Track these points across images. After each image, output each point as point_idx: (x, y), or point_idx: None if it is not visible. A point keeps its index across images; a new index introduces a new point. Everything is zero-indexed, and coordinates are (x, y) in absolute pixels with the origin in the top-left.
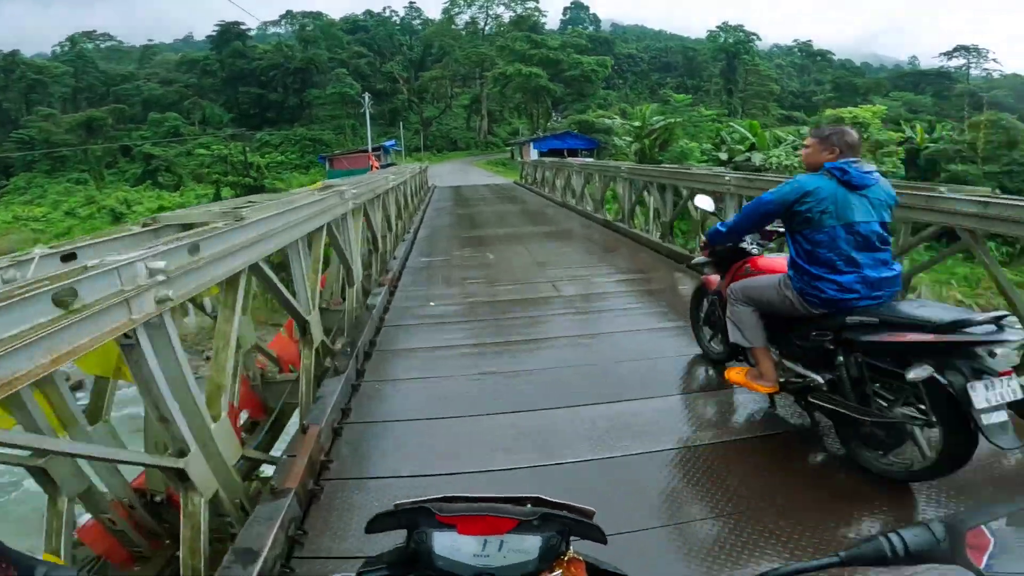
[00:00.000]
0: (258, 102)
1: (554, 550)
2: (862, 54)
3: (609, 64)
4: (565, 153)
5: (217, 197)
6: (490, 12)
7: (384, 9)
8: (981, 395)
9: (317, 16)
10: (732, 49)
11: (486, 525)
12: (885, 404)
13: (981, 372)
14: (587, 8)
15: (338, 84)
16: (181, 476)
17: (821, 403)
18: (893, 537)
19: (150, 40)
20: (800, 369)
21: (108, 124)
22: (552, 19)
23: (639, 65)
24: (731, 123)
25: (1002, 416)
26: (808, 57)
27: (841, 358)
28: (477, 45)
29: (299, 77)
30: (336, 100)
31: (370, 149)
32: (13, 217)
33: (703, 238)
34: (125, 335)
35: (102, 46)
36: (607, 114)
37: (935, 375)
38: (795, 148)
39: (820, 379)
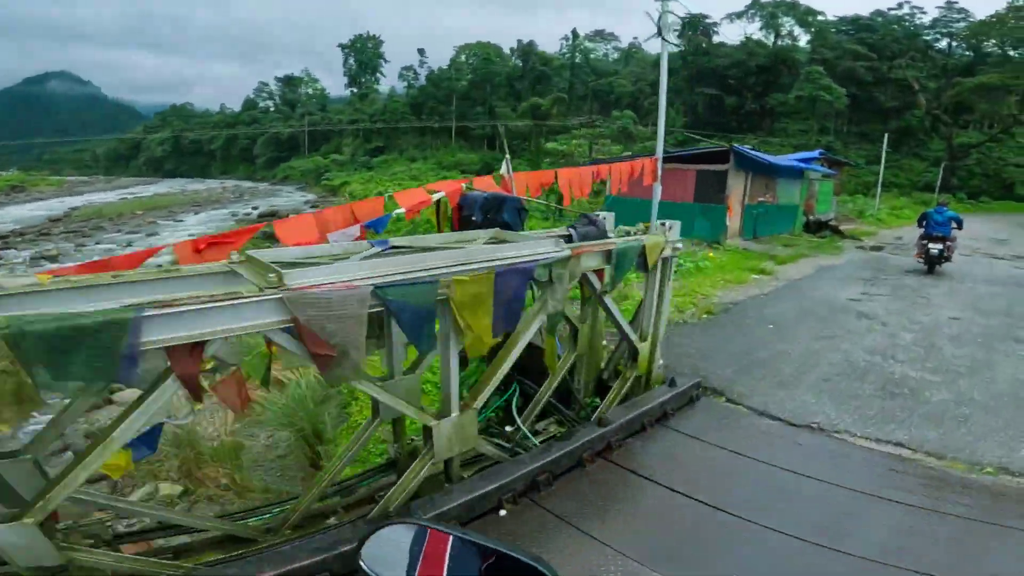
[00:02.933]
0: (714, 105)
1: None
2: None
3: None
4: None
5: None
6: None
7: (900, 5)
8: None
9: (793, 5)
10: None
11: None
12: None
13: None
14: None
15: (808, 86)
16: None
17: None
18: None
19: (635, 39)
20: None
21: (552, 112)
22: None
23: None
24: None
25: None
26: None
27: None
28: None
29: (763, 78)
30: (804, 107)
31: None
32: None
33: None
34: None
35: (608, 46)
36: None
37: None
38: None
39: None
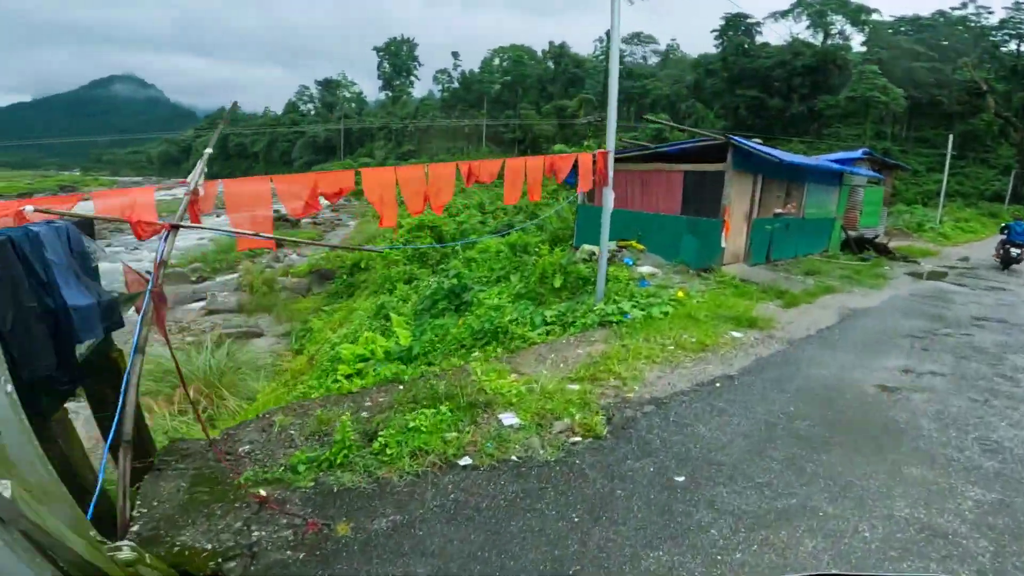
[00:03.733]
0: (756, 108)
1: None
2: None
3: None
4: None
5: None
6: None
7: (964, 4)
8: None
9: (843, 3)
10: None
11: None
12: None
13: None
14: None
15: (862, 85)
16: None
17: None
18: None
19: (673, 41)
20: None
21: (579, 113)
22: None
23: None
24: None
25: None
26: None
27: None
28: None
29: (810, 79)
30: (857, 109)
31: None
32: None
33: None
34: None
35: (646, 48)
36: None
37: None
38: None
39: None
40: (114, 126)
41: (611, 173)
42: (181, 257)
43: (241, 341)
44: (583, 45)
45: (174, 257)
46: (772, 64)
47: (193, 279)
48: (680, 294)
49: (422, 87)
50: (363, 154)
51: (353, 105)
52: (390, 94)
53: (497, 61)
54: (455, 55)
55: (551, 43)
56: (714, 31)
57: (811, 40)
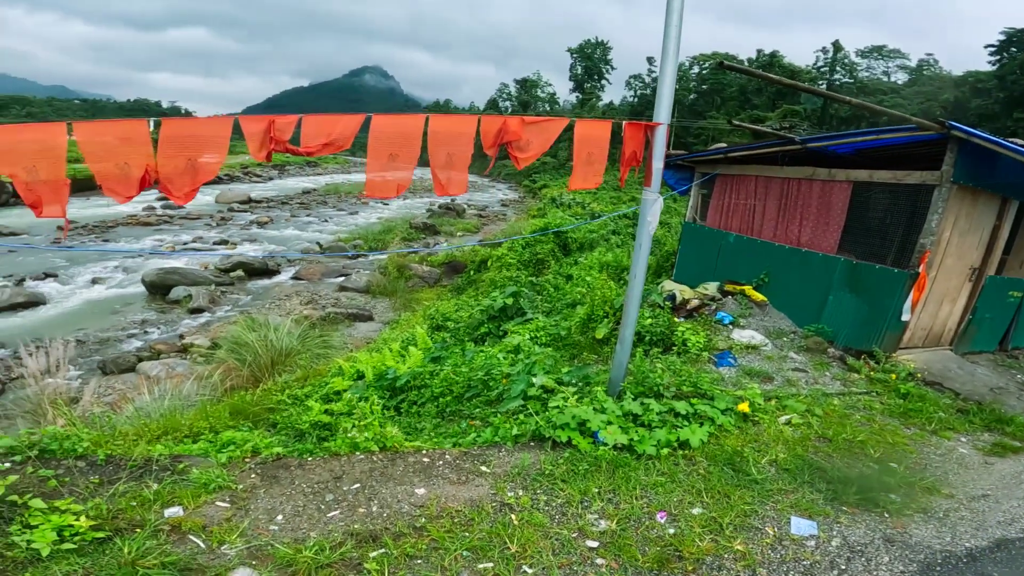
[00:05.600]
0: None
1: None
2: None
3: None
4: None
5: None
6: None
7: None
8: None
9: None
10: None
11: None
12: None
13: None
14: None
15: None
16: None
17: None
18: None
19: (928, 56)
20: None
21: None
22: None
23: None
24: None
25: None
26: None
27: None
28: None
29: None
30: None
31: None
32: None
33: None
34: None
35: (890, 63)
36: None
37: None
38: None
39: None
40: (364, 112)
41: (659, 164)
42: (349, 233)
43: (347, 322)
44: (799, 55)
45: (342, 232)
46: None
47: (349, 256)
48: (744, 407)
49: (613, 91)
50: (546, 154)
51: (547, 106)
52: (579, 96)
53: (696, 69)
54: (650, 60)
55: (759, 51)
56: (989, 47)
57: None
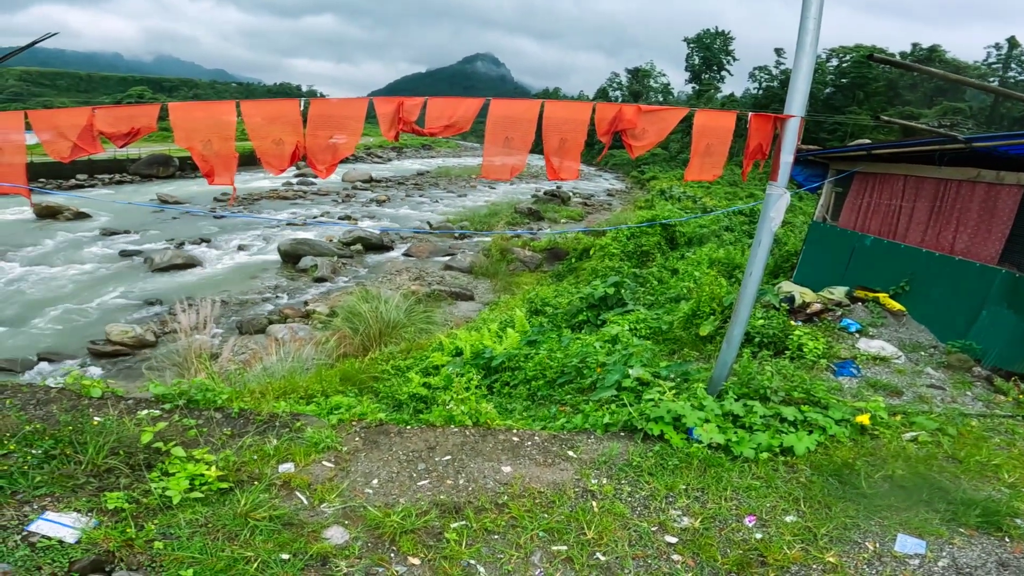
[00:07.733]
0: None
1: None
2: None
3: None
4: None
5: None
6: None
7: None
8: None
9: None
10: None
11: None
12: None
13: None
14: None
15: None
16: None
17: None
18: None
19: None
20: None
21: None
22: None
23: None
24: None
25: None
26: None
27: None
28: None
29: None
30: None
31: None
32: None
33: None
34: None
35: None
36: None
37: None
38: None
39: None
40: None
41: (788, 158)
42: (457, 215)
43: (449, 300)
44: (966, 50)
45: (451, 212)
46: None
47: (456, 236)
48: (864, 419)
49: (735, 83)
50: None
51: (660, 97)
52: (695, 87)
53: (835, 62)
54: (778, 52)
55: (914, 45)
56: None
57: None
